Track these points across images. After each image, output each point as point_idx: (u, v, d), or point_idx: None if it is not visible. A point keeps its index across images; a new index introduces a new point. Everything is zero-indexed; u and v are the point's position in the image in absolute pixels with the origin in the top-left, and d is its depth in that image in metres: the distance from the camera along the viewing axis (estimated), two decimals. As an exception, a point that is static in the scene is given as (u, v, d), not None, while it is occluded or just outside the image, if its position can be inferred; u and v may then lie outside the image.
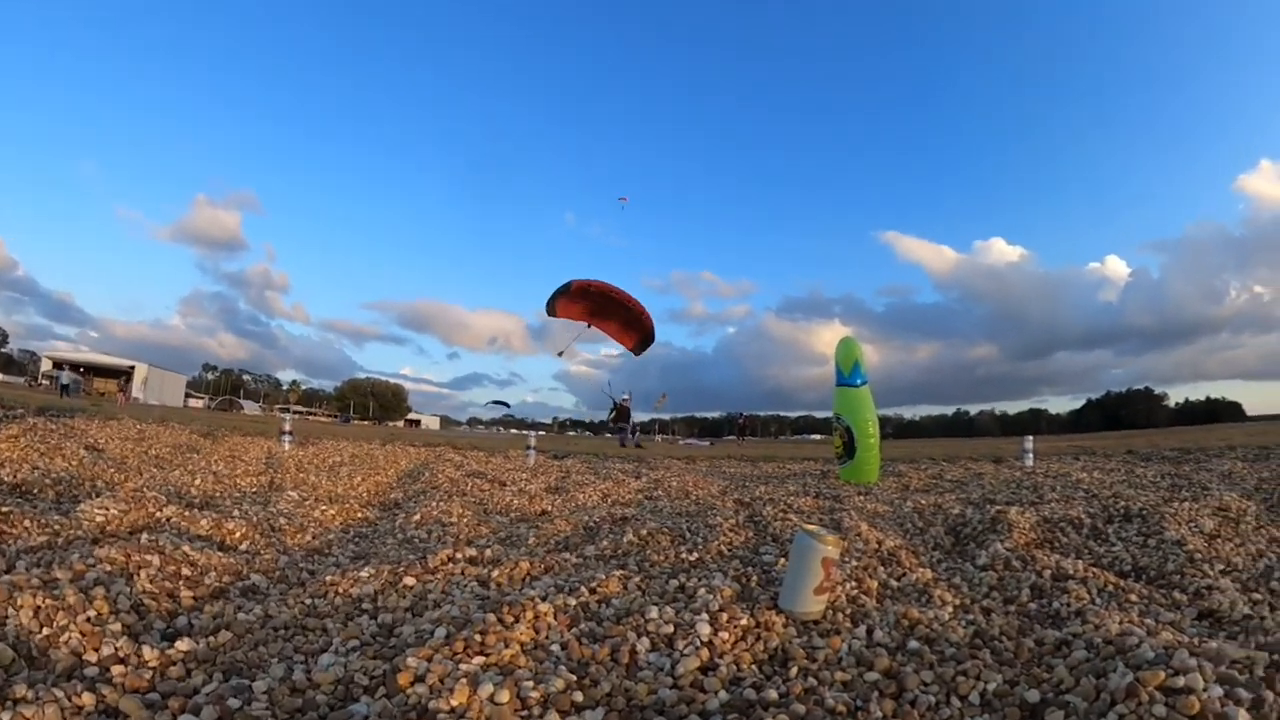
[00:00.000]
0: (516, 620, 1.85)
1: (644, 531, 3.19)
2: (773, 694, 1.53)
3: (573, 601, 2.06)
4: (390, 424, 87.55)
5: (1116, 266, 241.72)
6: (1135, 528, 3.27)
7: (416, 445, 11.75)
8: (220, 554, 2.67)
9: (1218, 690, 1.31)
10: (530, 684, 1.49)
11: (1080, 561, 2.70)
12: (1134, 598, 2.31)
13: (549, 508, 4.76)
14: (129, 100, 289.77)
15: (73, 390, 35.25)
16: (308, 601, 2.19)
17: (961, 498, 4.82)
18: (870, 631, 1.90)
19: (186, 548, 2.55)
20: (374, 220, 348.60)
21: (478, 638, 1.71)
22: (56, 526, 2.85)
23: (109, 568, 2.14)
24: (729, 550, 2.97)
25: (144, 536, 2.64)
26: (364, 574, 2.38)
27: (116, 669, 1.57)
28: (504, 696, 1.43)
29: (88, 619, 1.78)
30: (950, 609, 2.18)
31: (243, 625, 1.94)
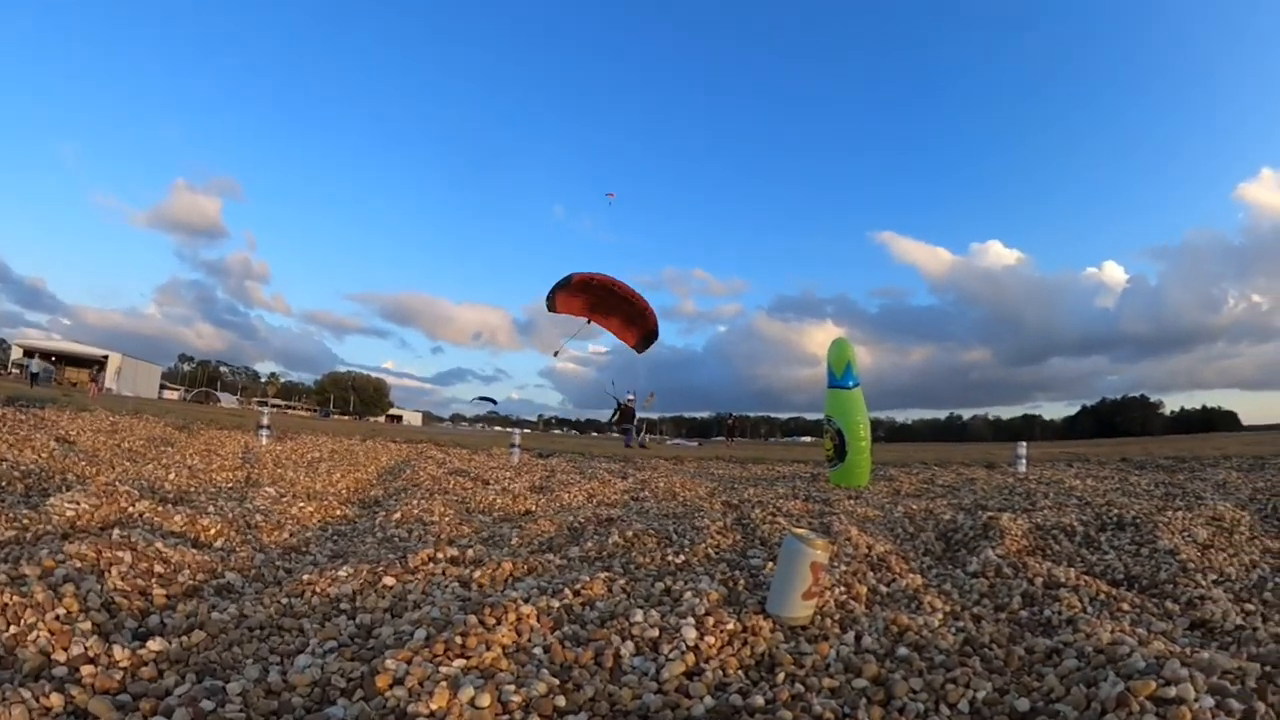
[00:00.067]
0: (498, 622, 1.85)
1: (630, 533, 3.19)
2: (759, 700, 1.54)
3: (556, 604, 2.06)
4: (371, 419, 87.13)
5: (1114, 272, 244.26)
6: (1128, 536, 3.30)
7: (398, 441, 11.71)
8: (194, 551, 2.65)
9: (1209, 701, 1.33)
10: (512, 688, 1.49)
11: (1072, 569, 2.72)
12: (1126, 607, 2.33)
13: (533, 507, 4.76)
14: (107, 82, 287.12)
15: (43, 379, 34.87)
16: (284, 601, 2.17)
17: (953, 503, 4.85)
18: (859, 638, 1.91)
19: (159, 544, 2.53)
20: (358, 209, 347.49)
21: (458, 640, 1.71)
22: (25, 521, 2.82)
23: (79, 564, 2.12)
24: (716, 553, 2.98)
25: (116, 532, 2.61)
26: (342, 573, 2.37)
27: (86, 669, 1.56)
28: (485, 700, 1.43)
29: (56, 617, 1.77)
30: (940, 616, 2.19)
31: (217, 625, 1.93)
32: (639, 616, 1.92)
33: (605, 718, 1.49)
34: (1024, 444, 9.16)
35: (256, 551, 2.99)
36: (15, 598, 1.78)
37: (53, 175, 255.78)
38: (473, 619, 1.82)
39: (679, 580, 2.37)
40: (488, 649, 1.70)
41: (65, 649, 1.63)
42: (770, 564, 2.63)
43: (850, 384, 7.12)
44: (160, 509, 3.33)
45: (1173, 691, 1.35)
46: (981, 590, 2.56)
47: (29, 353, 50.36)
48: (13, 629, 1.69)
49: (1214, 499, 4.63)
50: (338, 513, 4.21)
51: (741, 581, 2.46)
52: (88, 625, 1.77)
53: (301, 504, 4.12)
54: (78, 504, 3.14)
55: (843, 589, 2.36)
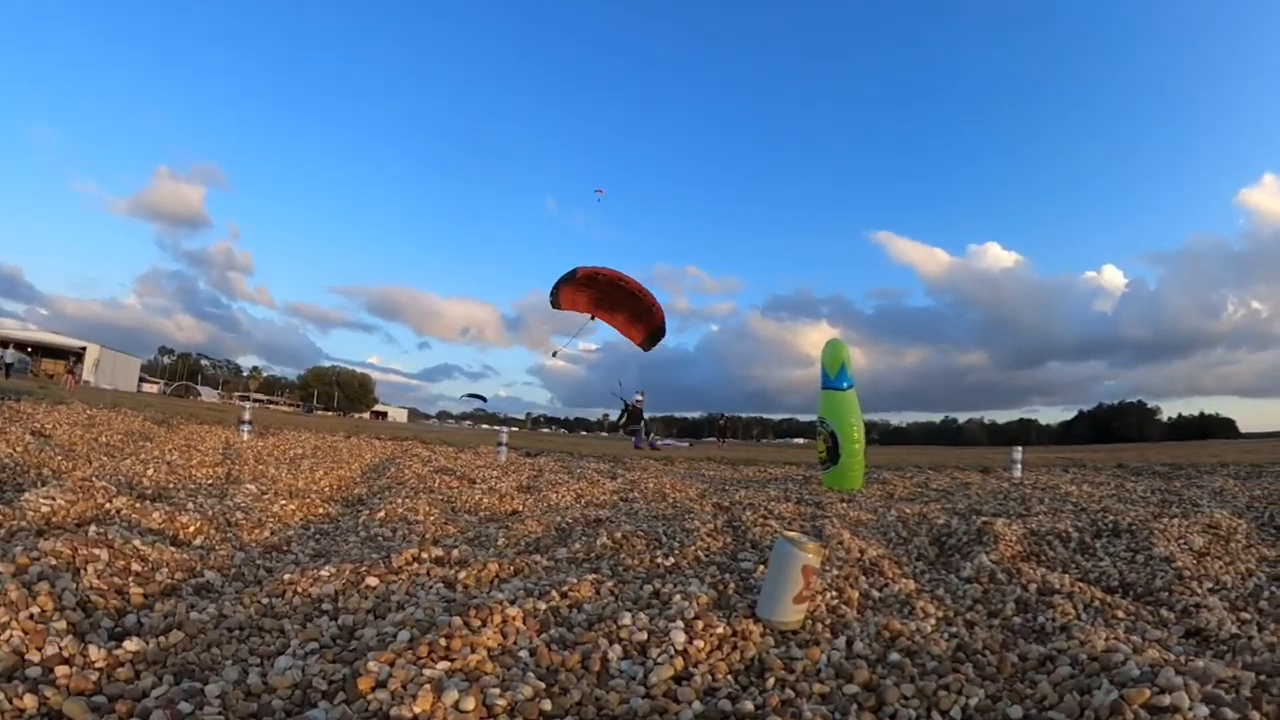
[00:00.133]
0: (484, 624, 1.85)
1: (618, 534, 3.19)
2: (749, 705, 1.54)
3: (543, 606, 2.05)
4: (355, 415, 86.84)
5: (1113, 276, 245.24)
6: (1124, 543, 3.32)
7: (383, 438, 11.67)
8: (173, 549, 2.63)
9: (1203, 709, 1.34)
10: (497, 691, 1.49)
11: (1067, 576, 2.74)
12: (1121, 614, 2.35)
13: (520, 507, 4.76)
14: (88, 63, 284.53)
15: (18, 371, 34.66)
16: (264, 601, 2.17)
17: (947, 508, 4.87)
18: (850, 643, 1.91)
19: (137, 542, 2.52)
20: (344, 200, 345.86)
21: (443, 642, 1.71)
22: (-2, 516, 2.80)
23: (54, 561, 2.11)
24: (706, 556, 2.98)
25: (92, 529, 2.59)
26: (324, 573, 2.36)
27: (60, 669, 1.55)
28: (469, 704, 1.43)
29: (30, 616, 1.75)
30: (933, 621, 2.20)
31: (195, 625, 1.92)
32: (627, 619, 1.92)
33: (592, 722, 1.49)
34: (1019, 449, 9.22)
35: (237, 550, 2.98)
36: (-13, 595, 1.77)
37: (29, 159, 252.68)
38: (457, 621, 1.82)
39: (668, 583, 2.37)
40: (473, 651, 1.69)
41: (39, 649, 1.62)
42: (761, 567, 2.64)
43: (844, 385, 7.14)
44: (138, 505, 3.31)
45: (1167, 700, 1.37)
46: (975, 596, 2.57)
47: (3, 343, 49.69)
48: (-16, 627, 1.68)
49: (1210, 506, 4.67)
50: (320, 511, 4.20)
51: (732, 585, 2.46)
52: (63, 624, 1.76)
53: (283, 502, 4.10)
54: (53, 499, 3.12)
55: (834, 593, 2.37)
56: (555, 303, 14.44)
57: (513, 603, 2.01)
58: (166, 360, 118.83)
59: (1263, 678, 1.52)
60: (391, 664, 1.59)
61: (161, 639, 1.79)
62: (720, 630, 1.90)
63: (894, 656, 1.81)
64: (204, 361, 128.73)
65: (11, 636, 1.65)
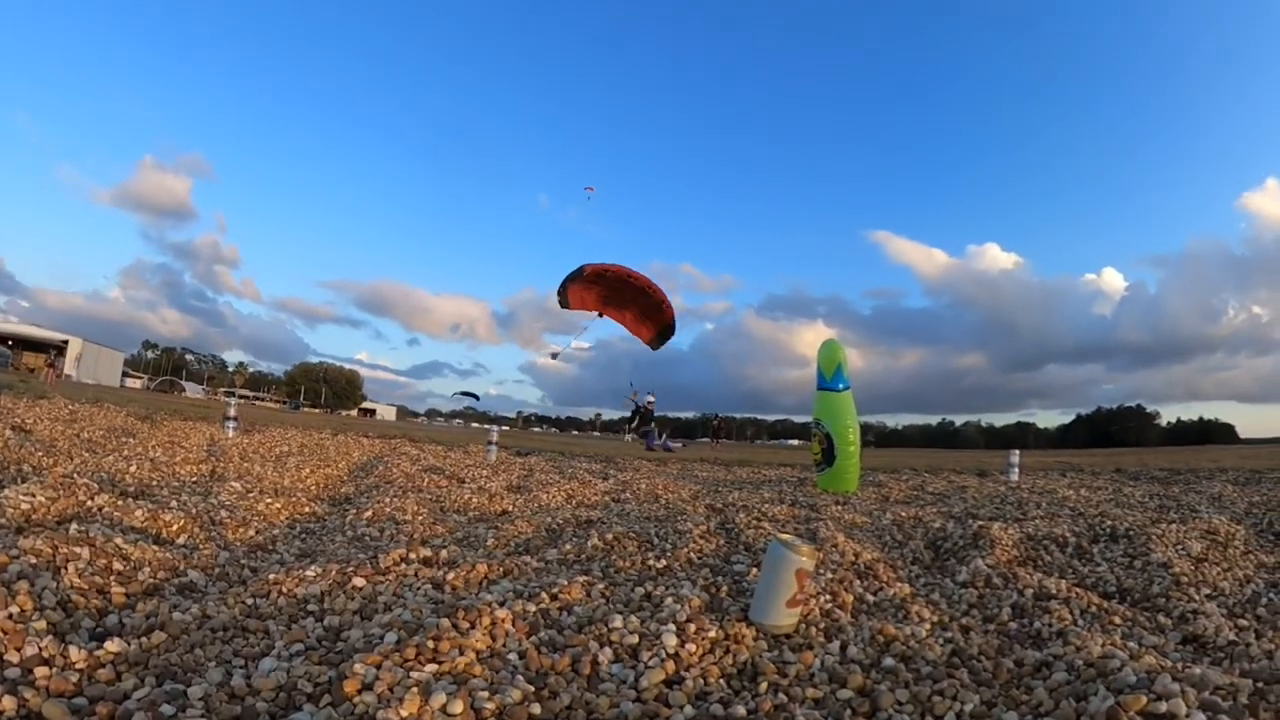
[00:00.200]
0: (472, 626, 1.85)
1: (610, 536, 3.20)
2: (741, 710, 1.55)
3: (532, 608, 2.05)
4: (343, 413, 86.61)
5: (1113, 279, 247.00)
6: (1121, 548, 3.34)
7: (370, 436, 11.65)
8: (155, 548, 2.62)
9: (1200, 717, 1.35)
10: (485, 694, 1.49)
11: (1063, 581, 2.75)
12: (1117, 620, 2.36)
13: (510, 507, 4.75)
14: (71, 49, 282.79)
15: (-3, 365, 34.42)
16: (249, 601, 2.16)
17: (943, 511, 4.89)
18: (844, 647, 1.92)
19: (119, 540, 2.51)
20: (334, 194, 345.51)
21: (430, 644, 1.71)
22: (-24, 513, 2.78)
23: (34, 560, 2.10)
24: (699, 558, 2.99)
25: (73, 527, 2.58)
26: (310, 573, 2.35)
27: (40, 670, 1.54)
28: (457, 707, 1.43)
29: (9, 616, 1.74)
30: (928, 626, 2.21)
31: (178, 625, 1.91)
32: (618, 622, 1.92)
33: (582, 727, 1.49)
34: (1017, 452, 9.26)
35: (221, 549, 2.97)
36: (-35, 593, 1.76)
37: (10, 147, 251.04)
38: (445, 622, 1.82)
39: (660, 585, 2.37)
40: (461, 654, 1.69)
41: (18, 649, 1.61)
42: (754, 570, 2.64)
43: (840, 386, 7.14)
44: (120, 503, 3.29)
45: (1164, 706, 1.37)
46: (970, 601, 2.58)
47: (-17, 336, 49.66)
48: (-38, 626, 1.67)
49: (1209, 512, 4.69)
50: (306, 510, 4.18)
51: (724, 588, 2.46)
52: (42, 624, 1.75)
53: (269, 500, 4.09)
54: (33, 496, 3.10)
55: (828, 597, 2.38)
56: (564, 302, 14.38)
57: (502, 604, 2.01)
58: (150, 355, 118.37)
59: (1260, 685, 1.53)
60: (378, 666, 1.58)
61: (144, 640, 1.79)
62: (712, 634, 1.90)
63: (888, 661, 1.81)
64: (189, 356, 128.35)
65: (-11, 636, 1.64)
